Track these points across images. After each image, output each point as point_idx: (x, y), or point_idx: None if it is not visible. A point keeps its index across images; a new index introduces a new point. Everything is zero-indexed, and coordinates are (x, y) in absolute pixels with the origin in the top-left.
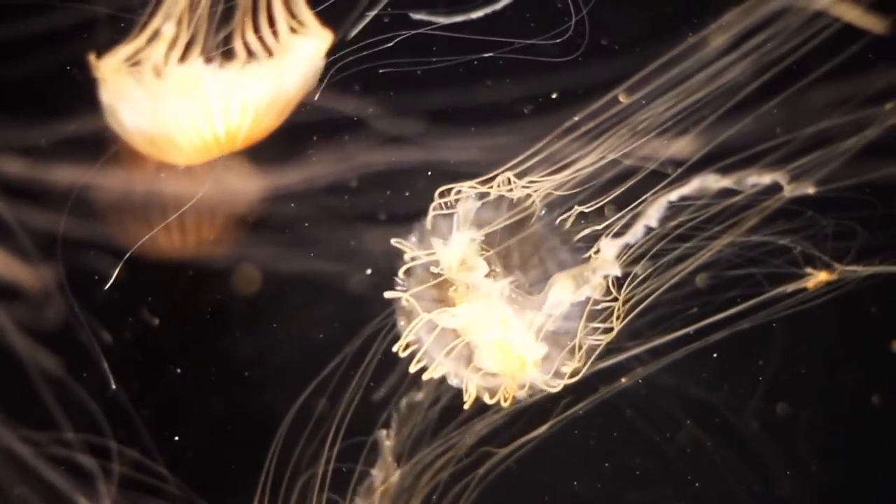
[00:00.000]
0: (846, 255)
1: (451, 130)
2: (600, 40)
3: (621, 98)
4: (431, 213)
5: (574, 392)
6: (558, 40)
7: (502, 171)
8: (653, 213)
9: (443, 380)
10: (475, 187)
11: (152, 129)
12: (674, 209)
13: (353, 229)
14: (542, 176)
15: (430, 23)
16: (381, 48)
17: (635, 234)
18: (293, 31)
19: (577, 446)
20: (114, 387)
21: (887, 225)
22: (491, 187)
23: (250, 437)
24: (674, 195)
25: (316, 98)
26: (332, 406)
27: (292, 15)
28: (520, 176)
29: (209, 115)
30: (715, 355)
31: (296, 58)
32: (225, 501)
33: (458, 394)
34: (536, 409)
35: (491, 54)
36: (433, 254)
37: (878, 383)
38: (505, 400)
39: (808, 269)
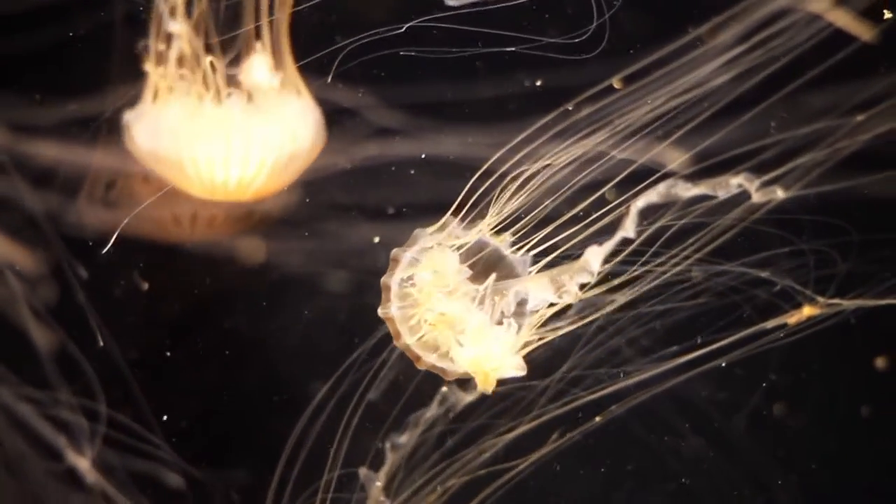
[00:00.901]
0: (828, 288)
1: (453, 124)
2: (618, 42)
3: (616, 84)
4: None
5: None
6: (577, 40)
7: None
8: (629, 224)
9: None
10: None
11: (168, 156)
12: (656, 229)
13: (350, 219)
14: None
15: (449, 11)
16: (387, 35)
17: (614, 242)
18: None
19: (574, 450)
20: (101, 344)
21: (865, 251)
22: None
23: (242, 418)
24: (641, 202)
25: (328, 81)
26: (332, 394)
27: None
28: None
29: (227, 161)
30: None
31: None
32: (213, 474)
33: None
34: (536, 432)
35: (513, 49)
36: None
37: (868, 396)
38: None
39: (799, 299)
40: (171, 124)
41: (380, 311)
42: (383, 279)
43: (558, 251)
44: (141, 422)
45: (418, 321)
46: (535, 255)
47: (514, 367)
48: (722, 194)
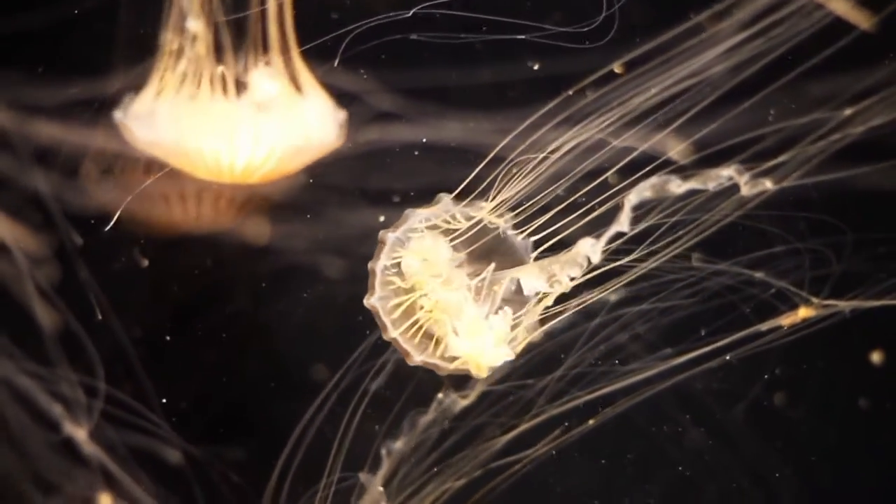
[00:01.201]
0: (823, 287)
1: (456, 109)
2: (626, 31)
3: (617, 69)
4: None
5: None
6: (585, 29)
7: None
8: (623, 219)
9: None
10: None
11: (171, 147)
12: (653, 223)
13: (352, 202)
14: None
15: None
16: (391, 20)
17: (608, 235)
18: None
19: (575, 441)
20: (99, 317)
21: (860, 249)
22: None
23: (242, 400)
24: (635, 197)
25: (335, 65)
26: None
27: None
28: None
29: (233, 155)
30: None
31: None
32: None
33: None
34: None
35: (523, 37)
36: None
37: (867, 388)
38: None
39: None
40: (177, 118)
41: (365, 301)
42: (370, 264)
43: (558, 237)
44: (141, 400)
45: (404, 313)
46: (536, 241)
47: (506, 355)
48: (712, 187)
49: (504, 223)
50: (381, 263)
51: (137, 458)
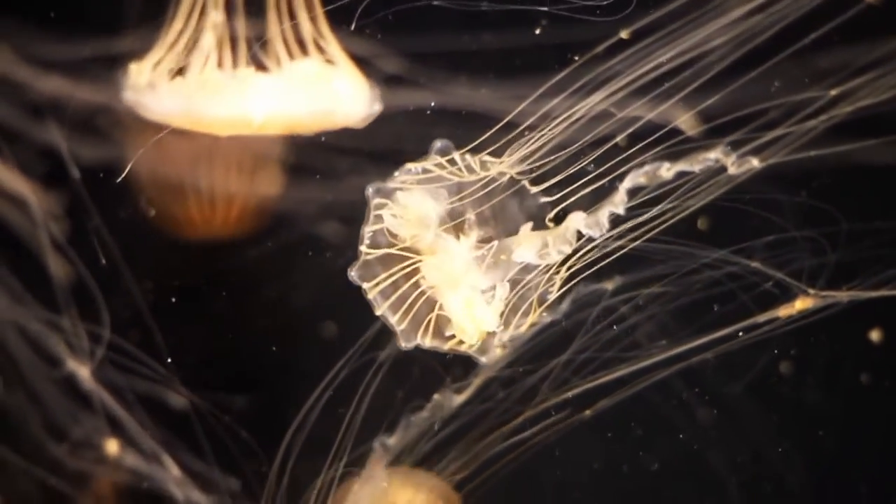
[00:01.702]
0: (820, 276)
1: (469, 76)
2: (640, 4)
3: (624, 35)
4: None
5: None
6: (604, 2)
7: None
8: (618, 201)
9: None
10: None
11: (183, 118)
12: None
13: (361, 166)
14: (529, 134)
15: None
16: None
17: (603, 216)
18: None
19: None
20: (104, 262)
21: (854, 241)
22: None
23: (248, 361)
24: (629, 182)
25: (352, 28)
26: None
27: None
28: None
29: (248, 119)
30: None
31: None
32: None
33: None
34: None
35: (546, 9)
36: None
37: (871, 363)
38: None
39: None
40: (189, 91)
41: (350, 274)
42: (362, 229)
43: (568, 202)
44: (147, 351)
45: (394, 285)
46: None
47: (500, 328)
48: (699, 169)
49: (519, 176)
50: (368, 228)
51: (143, 404)
